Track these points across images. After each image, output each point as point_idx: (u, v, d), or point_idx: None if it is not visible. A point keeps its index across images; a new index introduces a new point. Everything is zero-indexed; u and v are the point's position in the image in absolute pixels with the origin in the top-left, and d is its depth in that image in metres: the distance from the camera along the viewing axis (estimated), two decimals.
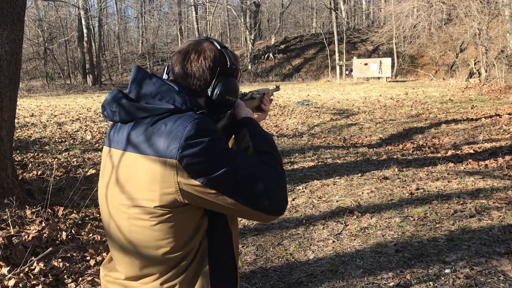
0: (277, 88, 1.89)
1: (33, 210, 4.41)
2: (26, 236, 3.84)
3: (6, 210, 4.13)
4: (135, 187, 1.18)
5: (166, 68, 1.37)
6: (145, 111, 1.19)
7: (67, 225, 4.23)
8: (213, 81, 1.29)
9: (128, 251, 1.25)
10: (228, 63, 1.31)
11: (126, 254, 1.26)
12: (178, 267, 1.23)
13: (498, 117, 10.44)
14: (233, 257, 1.33)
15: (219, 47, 1.32)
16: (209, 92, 1.30)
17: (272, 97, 1.79)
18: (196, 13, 38.06)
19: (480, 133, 8.74)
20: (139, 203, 1.18)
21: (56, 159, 7.14)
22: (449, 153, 7.18)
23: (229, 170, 1.14)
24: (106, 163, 1.31)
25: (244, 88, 22.47)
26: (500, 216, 4.27)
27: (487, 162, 6.40)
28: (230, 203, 1.17)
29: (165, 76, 1.37)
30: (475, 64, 23.49)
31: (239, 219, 1.31)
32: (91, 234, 4.10)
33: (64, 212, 4.53)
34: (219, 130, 1.23)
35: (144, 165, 1.16)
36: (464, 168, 6.17)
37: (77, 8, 31.05)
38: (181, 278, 1.23)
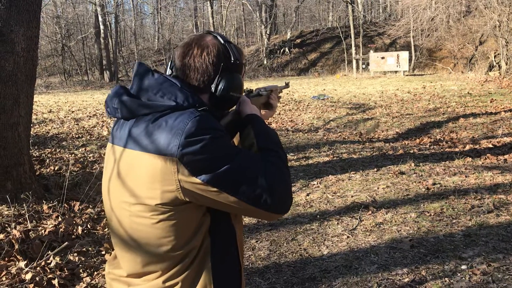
0: (287, 85, 1.85)
1: (50, 205, 4.47)
2: (42, 231, 3.90)
3: (24, 205, 4.19)
4: (136, 184, 1.17)
5: (169, 63, 1.35)
6: (147, 108, 1.18)
7: (83, 219, 4.28)
8: (217, 77, 1.27)
9: (130, 248, 1.25)
10: (232, 58, 1.29)
11: (128, 251, 1.26)
12: (181, 265, 1.22)
13: None
14: (237, 255, 1.32)
15: (222, 42, 1.29)
16: (212, 88, 1.28)
17: (280, 94, 1.75)
18: (212, 8, 38.03)
19: (500, 127, 8.58)
20: (140, 200, 1.17)
21: (73, 155, 7.22)
22: (467, 147, 7.07)
23: (231, 168, 1.13)
24: (108, 160, 1.31)
25: (259, 83, 22.43)
26: None
27: (506, 156, 6.28)
28: (232, 201, 1.16)
29: (168, 72, 1.34)
30: (495, 57, 23.05)
31: None
32: (107, 229, 4.14)
33: (80, 207, 4.58)
34: (222, 127, 1.21)
35: (144, 162, 1.15)
36: (482, 163, 6.06)
37: (94, 5, 31.35)
38: (183, 276, 1.22)
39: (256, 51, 36.88)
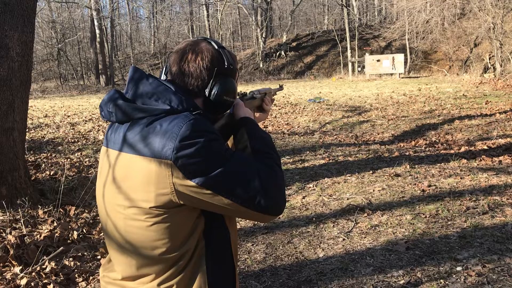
0: (281, 88, 1.87)
1: (45, 209, 4.46)
2: (38, 236, 3.89)
3: (19, 210, 4.18)
4: (131, 187, 1.18)
5: (164, 69, 1.37)
6: (142, 111, 1.19)
7: (79, 224, 4.28)
8: (211, 82, 1.29)
9: (125, 251, 1.26)
10: (226, 63, 1.31)
11: (123, 254, 1.27)
12: (175, 267, 1.23)
13: None
14: (231, 257, 1.33)
15: (216, 47, 1.31)
16: (206, 92, 1.30)
17: (274, 96, 1.77)
18: (207, 12, 38.09)
19: (494, 129, 8.61)
20: (135, 203, 1.18)
21: (68, 159, 7.21)
22: (462, 149, 7.10)
23: (225, 170, 1.14)
24: (103, 163, 1.32)
25: (256, 86, 22.45)
26: None
27: (501, 158, 6.31)
28: (226, 203, 1.17)
29: (163, 77, 1.37)
30: (489, 58, 23.16)
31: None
32: (102, 234, 4.13)
33: (75, 212, 4.57)
34: (216, 130, 1.23)
35: (139, 165, 1.16)
36: (478, 165, 6.09)
37: (89, 9, 31.33)
38: (178, 278, 1.23)
39: (252, 54, 36.93)
